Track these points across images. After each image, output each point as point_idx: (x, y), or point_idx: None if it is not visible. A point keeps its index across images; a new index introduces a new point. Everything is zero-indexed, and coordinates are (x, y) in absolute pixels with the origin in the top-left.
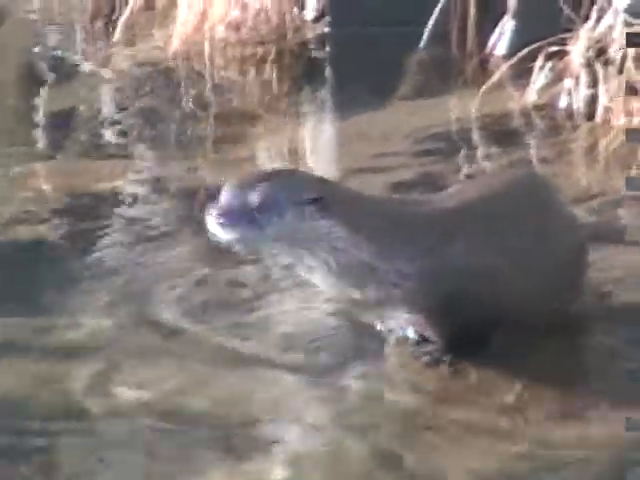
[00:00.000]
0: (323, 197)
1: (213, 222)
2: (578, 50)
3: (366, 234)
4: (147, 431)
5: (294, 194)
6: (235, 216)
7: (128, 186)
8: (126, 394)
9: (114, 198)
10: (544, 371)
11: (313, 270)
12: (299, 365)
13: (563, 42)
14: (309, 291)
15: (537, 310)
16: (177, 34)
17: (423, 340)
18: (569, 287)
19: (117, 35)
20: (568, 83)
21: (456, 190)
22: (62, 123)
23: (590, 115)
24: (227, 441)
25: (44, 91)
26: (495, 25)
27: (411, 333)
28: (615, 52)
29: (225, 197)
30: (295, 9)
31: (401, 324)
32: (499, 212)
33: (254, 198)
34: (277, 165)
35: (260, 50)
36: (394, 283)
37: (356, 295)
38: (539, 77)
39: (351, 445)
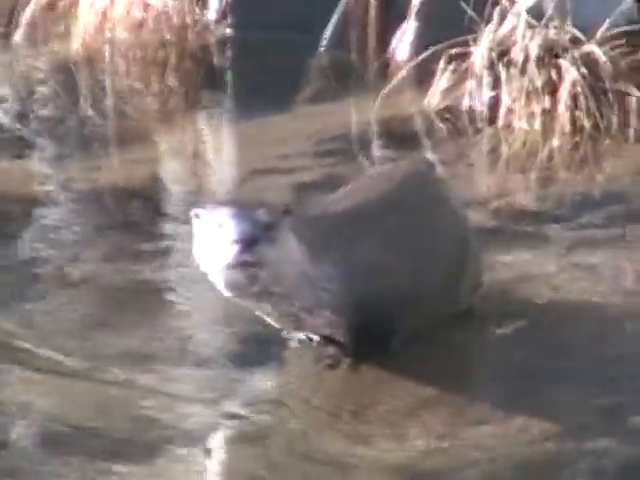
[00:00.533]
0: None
1: (232, 250)
2: (480, 52)
3: (305, 245)
4: None
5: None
6: (251, 238)
7: (30, 188)
8: None
9: (17, 200)
10: (440, 370)
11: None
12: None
13: (466, 44)
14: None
15: (433, 308)
16: (78, 35)
17: (326, 343)
18: (462, 282)
19: (17, 36)
20: (471, 85)
21: (350, 190)
22: None
23: (493, 117)
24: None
25: None
26: (397, 28)
27: (315, 337)
28: (517, 54)
29: (231, 227)
30: (197, 11)
31: (313, 328)
32: (392, 211)
33: (254, 224)
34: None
35: (162, 52)
36: (325, 287)
37: (289, 305)
38: (441, 79)
39: (247, 449)
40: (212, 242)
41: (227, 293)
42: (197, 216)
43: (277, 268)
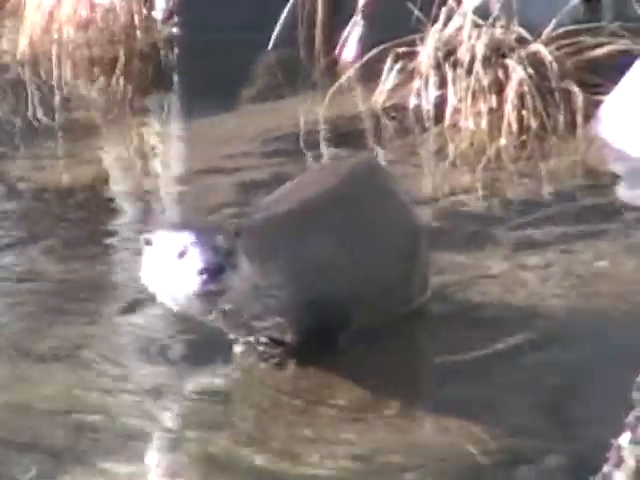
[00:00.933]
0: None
1: (197, 280)
2: (427, 51)
3: (255, 260)
4: None
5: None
6: (217, 268)
7: None
8: None
9: None
10: (384, 373)
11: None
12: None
13: (412, 43)
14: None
15: (382, 304)
16: (25, 35)
17: (273, 344)
18: (413, 278)
19: None
20: (417, 84)
21: (296, 186)
22: None
23: (439, 117)
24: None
25: None
26: (344, 27)
27: (263, 338)
28: (464, 53)
29: (195, 253)
30: (144, 10)
31: (261, 332)
32: (338, 205)
33: (215, 250)
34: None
35: (109, 51)
36: (273, 295)
37: (239, 317)
38: (388, 78)
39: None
40: (170, 270)
41: (180, 312)
42: (148, 242)
43: (235, 292)
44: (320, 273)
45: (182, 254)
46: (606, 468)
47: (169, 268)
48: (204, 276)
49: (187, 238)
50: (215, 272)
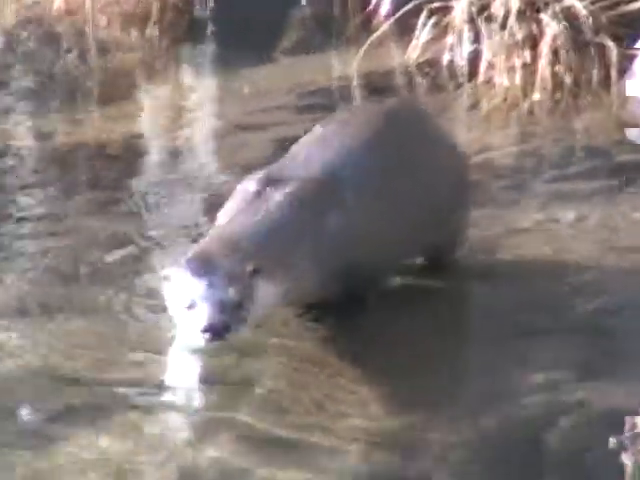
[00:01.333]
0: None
1: (203, 335)
2: (461, 6)
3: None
4: None
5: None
6: (222, 326)
7: (9, 141)
8: None
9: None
10: (418, 327)
11: None
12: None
13: None
14: None
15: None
16: None
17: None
18: (452, 228)
19: None
20: (451, 39)
21: (333, 130)
22: None
23: (473, 72)
24: None
25: None
26: None
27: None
28: (497, 8)
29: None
30: None
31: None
32: (380, 157)
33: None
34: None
35: (143, 4)
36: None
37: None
38: (422, 34)
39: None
40: (181, 317)
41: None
42: (167, 279)
43: (251, 323)
44: (353, 247)
45: (191, 306)
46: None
47: (180, 314)
48: (208, 334)
49: (196, 290)
50: (219, 331)
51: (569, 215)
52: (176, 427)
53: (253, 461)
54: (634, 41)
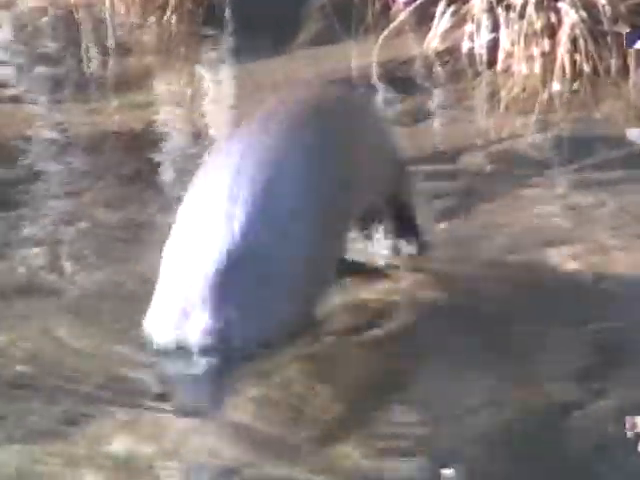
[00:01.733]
0: None
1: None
2: None
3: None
4: None
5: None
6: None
7: (27, 130)
8: None
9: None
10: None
11: None
12: None
13: None
14: None
15: None
16: None
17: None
18: None
19: None
20: (470, 28)
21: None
22: None
23: (492, 61)
24: None
25: None
26: None
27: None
28: None
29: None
30: None
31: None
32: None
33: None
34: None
35: None
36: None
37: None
38: (441, 22)
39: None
40: None
41: None
42: None
43: None
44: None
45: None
46: None
47: None
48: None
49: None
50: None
51: (587, 202)
52: (181, 429)
53: (253, 461)
54: None
